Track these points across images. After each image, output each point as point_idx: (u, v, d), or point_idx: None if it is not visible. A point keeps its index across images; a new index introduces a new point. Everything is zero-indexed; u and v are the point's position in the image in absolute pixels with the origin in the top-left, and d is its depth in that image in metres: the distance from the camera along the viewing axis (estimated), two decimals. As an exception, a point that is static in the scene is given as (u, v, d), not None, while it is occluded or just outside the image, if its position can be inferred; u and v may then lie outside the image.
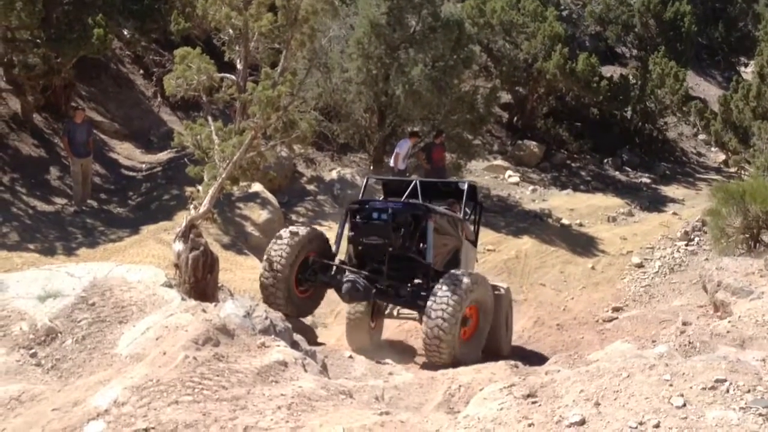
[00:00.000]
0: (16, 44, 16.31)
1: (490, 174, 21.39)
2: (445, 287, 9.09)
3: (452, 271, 9.54)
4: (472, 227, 11.58)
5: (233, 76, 15.51)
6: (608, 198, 20.88)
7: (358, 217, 9.77)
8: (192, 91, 14.60)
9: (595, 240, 17.68)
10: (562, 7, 26.06)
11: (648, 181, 22.77)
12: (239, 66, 15.44)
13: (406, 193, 10.91)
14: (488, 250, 16.32)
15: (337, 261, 10.28)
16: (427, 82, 17.55)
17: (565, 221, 18.74)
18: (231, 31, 15.00)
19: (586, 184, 22.14)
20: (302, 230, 10.15)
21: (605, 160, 23.58)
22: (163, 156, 18.10)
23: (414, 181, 11.07)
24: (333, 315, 12.77)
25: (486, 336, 9.86)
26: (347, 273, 9.75)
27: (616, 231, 18.30)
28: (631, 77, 24.36)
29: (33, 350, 6.25)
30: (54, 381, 5.84)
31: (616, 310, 14.27)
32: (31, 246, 13.37)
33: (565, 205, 19.85)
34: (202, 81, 13.92)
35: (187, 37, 18.45)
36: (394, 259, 9.75)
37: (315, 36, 16.20)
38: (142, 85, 20.80)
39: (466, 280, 9.21)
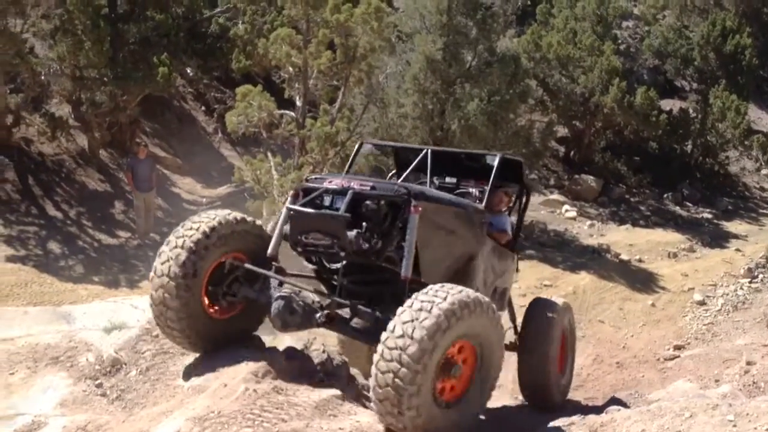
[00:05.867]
0: (84, 82, 16.90)
1: (547, 208, 21.24)
2: (411, 310, 5.49)
3: (433, 285, 5.75)
4: (509, 222, 8.32)
5: (292, 113, 15.82)
6: (668, 233, 20.52)
7: (300, 203, 6.29)
8: (252, 127, 15.01)
9: (655, 276, 17.37)
10: (620, 41, 25.91)
11: (709, 216, 22.34)
12: (298, 103, 15.73)
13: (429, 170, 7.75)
14: (545, 285, 16.17)
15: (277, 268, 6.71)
16: (483, 116, 17.60)
17: (624, 257, 18.47)
18: (291, 68, 15.32)
19: (645, 219, 21.82)
20: (219, 216, 6.38)
21: (665, 195, 23.23)
22: (223, 191, 18.45)
23: (427, 151, 7.80)
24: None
25: (490, 391, 6.17)
26: (283, 286, 6.34)
27: (676, 267, 17.95)
28: (691, 111, 24.05)
29: (98, 381, 6.41)
30: (119, 411, 5.98)
31: (677, 348, 13.97)
32: (96, 278, 13.74)
33: (624, 240, 19.57)
34: (262, 117, 14.30)
35: (247, 75, 18.92)
36: (359, 269, 6.44)
37: (372, 72, 16.53)
38: (203, 122, 21.31)
39: (450, 297, 5.54)
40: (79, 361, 6.69)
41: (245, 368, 5.89)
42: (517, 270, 8.51)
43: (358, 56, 15.68)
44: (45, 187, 16.58)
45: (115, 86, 16.61)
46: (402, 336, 5.35)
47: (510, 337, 8.25)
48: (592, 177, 22.83)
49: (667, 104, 24.54)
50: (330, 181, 6.27)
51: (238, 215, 6.47)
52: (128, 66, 16.69)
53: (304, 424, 5.25)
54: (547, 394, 8.34)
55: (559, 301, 8.72)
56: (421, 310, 5.43)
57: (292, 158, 15.57)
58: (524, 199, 8.43)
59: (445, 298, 5.51)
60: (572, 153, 24.06)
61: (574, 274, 16.94)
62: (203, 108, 21.61)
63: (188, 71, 20.70)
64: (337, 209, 6.06)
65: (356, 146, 8.17)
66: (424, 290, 5.65)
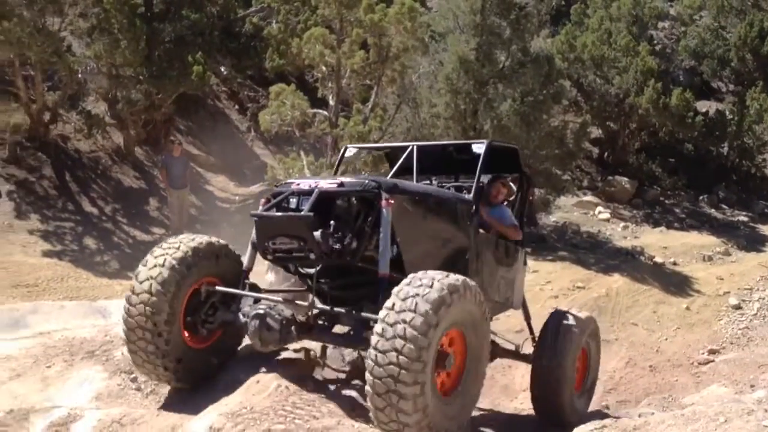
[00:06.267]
0: (120, 80, 17.13)
1: (580, 210, 21.09)
2: (400, 301, 5.20)
3: (414, 274, 5.48)
4: (508, 214, 7.60)
5: (325, 112, 15.88)
6: (704, 236, 20.27)
7: (264, 208, 6.07)
8: (285, 126, 15.10)
9: (689, 279, 17.16)
10: (656, 42, 25.64)
11: (745, 219, 22.03)
12: (331, 102, 15.79)
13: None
14: (578, 287, 16.04)
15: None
16: (516, 117, 17.52)
17: (658, 259, 18.28)
18: (324, 68, 15.39)
19: (680, 221, 21.57)
20: (189, 241, 6.15)
21: (700, 197, 22.96)
22: (256, 189, 18.57)
23: (412, 147, 7.33)
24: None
25: (481, 383, 5.98)
26: (259, 303, 6.07)
27: (712, 270, 17.72)
28: (727, 112, 23.73)
29: (133, 375, 6.49)
30: (153, 405, 6.05)
31: (712, 352, 13.79)
32: (131, 274, 13.81)
33: (658, 242, 19.37)
34: (295, 116, 14.38)
35: (281, 74, 19.03)
36: (340, 273, 6.23)
37: (405, 72, 16.54)
38: (236, 120, 21.46)
39: (437, 283, 5.29)
40: (115, 355, 6.77)
41: (278, 365, 5.92)
42: (525, 263, 7.87)
43: (391, 56, 15.72)
44: (81, 183, 16.81)
45: (150, 84, 16.80)
46: (396, 333, 5.06)
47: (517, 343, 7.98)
48: (626, 178, 22.63)
49: (703, 106, 24.25)
50: (298, 184, 6.01)
51: (205, 239, 6.19)
52: (163, 65, 16.88)
53: (336, 421, 5.27)
54: (559, 411, 7.59)
55: (583, 315, 8.06)
56: (411, 298, 5.16)
57: (324, 157, 15.64)
58: (525, 189, 7.83)
59: (431, 286, 5.25)
60: (606, 154, 23.86)
61: (608, 276, 16.78)
62: (237, 107, 21.76)
63: (222, 70, 20.86)
64: (297, 212, 5.81)
65: (341, 151, 7.87)
66: (407, 280, 5.35)
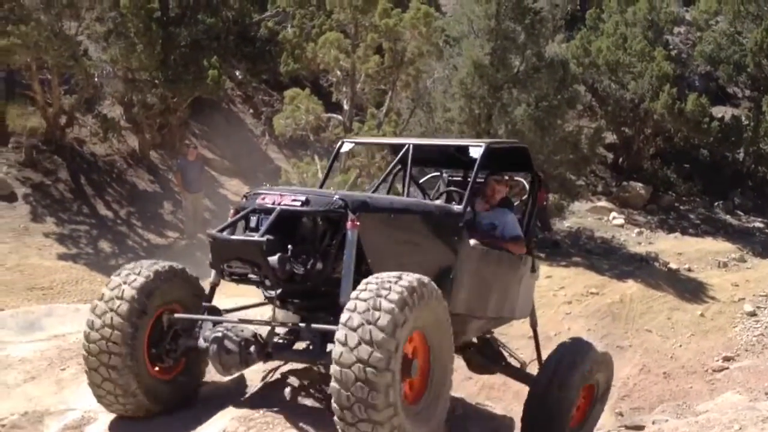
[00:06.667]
0: (136, 85, 17.25)
1: (594, 215, 21.02)
2: (361, 302, 4.77)
3: (368, 279, 4.96)
4: (516, 222, 6.83)
5: (340, 117, 15.92)
6: (719, 242, 20.16)
7: (218, 228, 5.59)
8: (300, 130, 15.15)
9: (704, 286, 17.08)
10: (671, 47, 25.55)
11: (761, 225, 21.89)
12: (346, 106, 15.84)
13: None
14: (591, 293, 16.00)
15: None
16: (530, 122, 17.51)
17: (672, 265, 18.20)
18: (339, 72, 15.45)
19: (695, 227, 21.47)
20: (147, 267, 5.69)
21: (716, 203, 22.84)
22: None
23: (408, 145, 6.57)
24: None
25: (448, 390, 5.43)
26: (218, 326, 5.54)
27: (727, 277, 17.63)
28: (743, 118, 23.61)
29: (147, 378, 6.50)
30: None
31: (726, 359, 13.72)
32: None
33: (673, 248, 19.28)
34: (309, 121, 14.43)
35: (295, 78, 19.10)
36: (307, 294, 5.65)
37: (420, 77, 16.57)
38: (251, 124, 21.54)
39: (400, 283, 4.86)
40: (128, 359, 6.79)
41: (290, 368, 5.94)
42: (534, 270, 7.15)
43: (406, 61, 15.75)
44: (96, 186, 16.93)
45: (165, 88, 16.91)
46: (359, 333, 4.60)
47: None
48: (640, 184, 22.55)
49: (718, 111, 24.12)
50: (263, 197, 5.43)
51: (162, 263, 5.77)
52: (179, 69, 16.98)
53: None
54: None
55: (600, 347, 7.36)
56: (373, 297, 4.70)
57: (338, 161, 15.67)
58: (537, 191, 7.05)
59: (394, 284, 4.80)
60: (621, 160, 23.79)
61: (622, 282, 16.73)
62: (251, 111, 21.84)
63: (237, 74, 20.96)
64: (251, 237, 5.25)
65: (337, 145, 7.14)
66: (362, 286, 4.82)
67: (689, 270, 18.05)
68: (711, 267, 18.35)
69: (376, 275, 4.95)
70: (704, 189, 23.22)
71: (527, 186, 7.17)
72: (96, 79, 17.41)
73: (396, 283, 4.83)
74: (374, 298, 4.70)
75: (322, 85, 19.70)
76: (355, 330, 4.63)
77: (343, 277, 5.13)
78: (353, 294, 4.81)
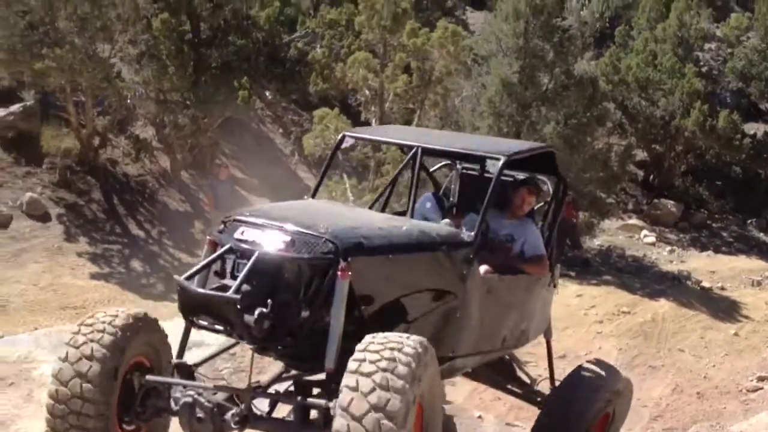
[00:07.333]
0: (168, 105, 17.49)
1: (625, 233, 20.86)
2: (365, 368, 4.05)
3: (365, 343, 4.21)
4: (540, 237, 6.16)
5: (368, 136, 15.96)
6: (752, 260, 19.91)
7: (187, 275, 4.88)
8: (329, 149, 15.22)
9: (738, 305, 16.85)
10: (702, 63, 25.37)
11: (796, 243, 21.59)
12: (374, 125, 15.91)
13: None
14: (623, 312, 15.84)
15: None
16: (559, 140, 17.44)
17: (705, 284, 17.99)
18: (367, 92, 15.57)
19: (728, 245, 21.21)
20: (112, 320, 4.93)
21: (749, 221, 22.56)
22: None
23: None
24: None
25: None
26: (188, 388, 4.88)
27: (761, 296, 17.38)
28: (776, 134, 23.36)
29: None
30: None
31: (761, 379, 13.50)
32: (175, 297, 14.06)
33: (706, 267, 19.06)
34: (338, 140, 14.50)
35: (324, 98, 19.25)
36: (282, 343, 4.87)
37: (448, 96, 16.63)
38: (280, 144, 21.71)
39: (408, 348, 4.16)
40: (159, 377, 6.84)
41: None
42: (555, 285, 6.52)
43: (434, 79, 15.82)
44: (129, 206, 17.13)
45: (197, 109, 17.13)
46: (364, 412, 3.92)
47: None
48: (672, 202, 22.35)
49: (751, 128, 23.88)
50: (242, 231, 4.68)
51: (129, 313, 5.09)
52: (210, 90, 17.18)
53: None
54: None
55: (621, 374, 6.79)
56: (379, 363, 4.01)
57: (367, 180, 15.74)
58: (561, 197, 6.39)
59: (402, 347, 4.11)
60: (651, 177, 23.61)
61: (653, 301, 16.55)
62: (281, 130, 22.02)
63: (267, 94, 21.15)
64: (223, 293, 4.45)
65: (337, 139, 6.26)
66: (359, 354, 4.11)
67: (722, 288, 17.84)
68: (744, 285, 18.13)
69: (371, 345, 4.17)
70: (737, 206, 22.97)
71: (549, 188, 6.54)
72: (129, 101, 17.65)
73: (409, 341, 4.17)
74: (380, 376, 3.99)
75: (351, 105, 19.84)
76: (357, 397, 3.97)
77: (329, 339, 4.40)
78: (357, 350, 4.14)
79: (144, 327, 5.13)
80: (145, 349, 5.17)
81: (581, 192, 18.51)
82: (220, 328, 4.58)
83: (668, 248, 20.36)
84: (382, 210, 6.43)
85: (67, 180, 16.65)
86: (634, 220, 21.58)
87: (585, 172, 18.57)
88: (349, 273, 4.43)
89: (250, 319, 4.39)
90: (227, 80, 17.34)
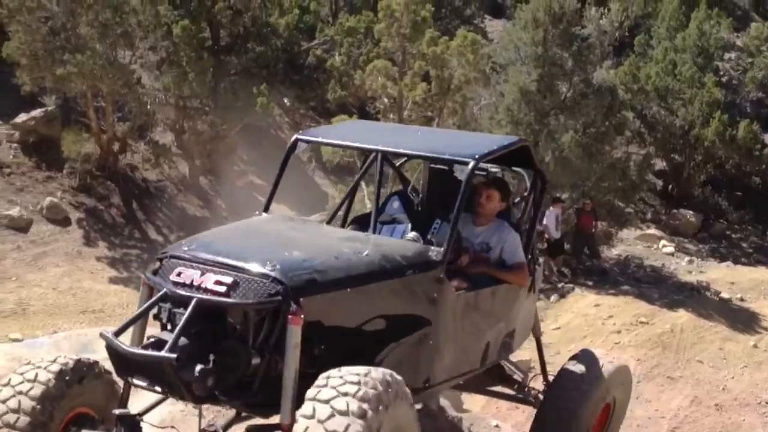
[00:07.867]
0: (187, 112, 17.60)
1: (643, 243, 20.74)
2: (324, 395, 3.64)
3: (324, 380, 3.74)
4: (518, 240, 5.54)
5: (386, 143, 15.99)
6: (772, 272, 19.75)
7: (115, 331, 4.25)
8: (347, 156, 15.28)
9: (757, 316, 16.70)
10: (722, 73, 25.25)
11: (817, 255, 21.40)
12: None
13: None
14: (641, 322, 15.74)
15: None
16: (578, 148, 17.40)
17: (724, 295, 17.84)
18: (386, 99, 15.59)
19: (747, 256, 21.05)
20: (48, 366, 4.41)
21: (769, 232, 22.43)
22: (316, 218, 18.76)
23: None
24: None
25: None
26: None
27: (781, 307, 17.25)
28: (796, 145, 23.19)
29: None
30: (214, 433, 6.10)
31: (781, 392, 13.39)
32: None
33: (725, 278, 18.91)
34: (357, 147, 14.53)
35: (342, 105, 19.32)
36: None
37: (466, 104, 16.63)
38: (298, 150, 21.74)
39: (375, 373, 3.79)
40: (178, 382, 6.87)
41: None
42: (534, 290, 5.98)
43: (453, 88, 15.83)
44: (148, 211, 17.23)
45: (216, 115, 17.23)
46: None
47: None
48: (691, 212, 22.22)
49: (771, 138, 23.74)
50: (179, 273, 4.07)
51: (67, 359, 4.55)
52: (229, 96, 17.29)
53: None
54: None
55: (617, 360, 6.43)
56: (340, 399, 3.57)
57: (384, 188, 15.75)
58: (539, 191, 5.85)
59: (368, 378, 3.69)
60: (670, 187, 23.49)
61: (672, 312, 16.44)
62: (298, 137, 22.10)
63: (285, 101, 21.24)
64: (155, 351, 3.89)
65: (288, 144, 5.65)
66: (320, 381, 3.69)
67: (741, 300, 17.69)
68: (764, 297, 17.96)
69: (333, 373, 3.76)
70: (757, 217, 22.80)
71: (527, 181, 6.01)
72: (149, 107, 17.78)
73: (374, 373, 3.77)
74: (340, 401, 3.58)
75: (369, 112, 19.87)
76: None
77: (283, 392, 3.86)
78: (314, 385, 3.70)
79: (88, 374, 4.59)
80: (90, 398, 4.63)
81: (600, 201, 18.44)
82: (158, 389, 4.05)
83: (687, 258, 20.22)
84: (344, 219, 6.04)
85: (87, 185, 16.77)
86: (652, 230, 21.45)
87: (603, 182, 18.51)
88: (302, 317, 3.90)
89: (190, 377, 3.85)
90: (246, 87, 17.44)
